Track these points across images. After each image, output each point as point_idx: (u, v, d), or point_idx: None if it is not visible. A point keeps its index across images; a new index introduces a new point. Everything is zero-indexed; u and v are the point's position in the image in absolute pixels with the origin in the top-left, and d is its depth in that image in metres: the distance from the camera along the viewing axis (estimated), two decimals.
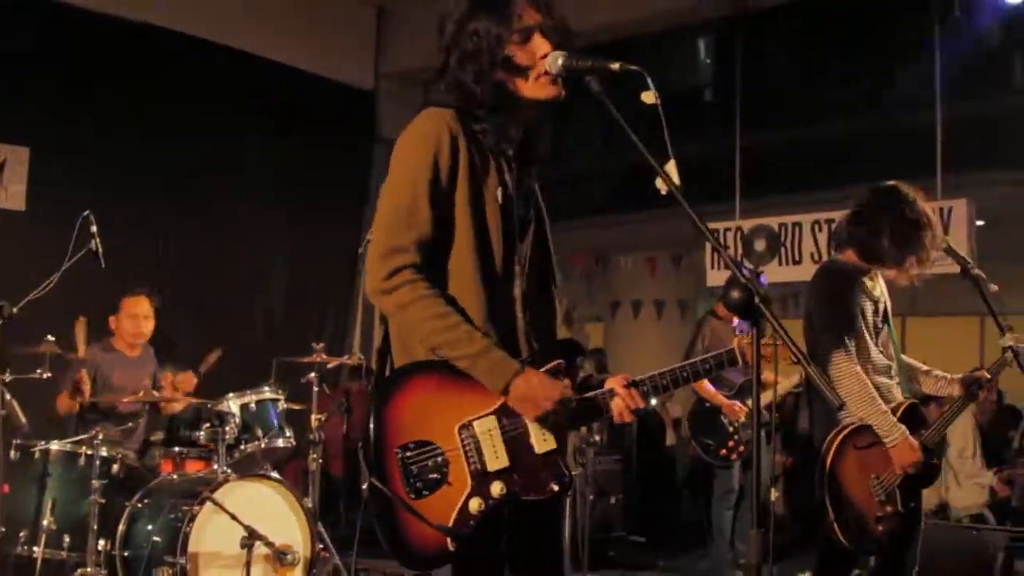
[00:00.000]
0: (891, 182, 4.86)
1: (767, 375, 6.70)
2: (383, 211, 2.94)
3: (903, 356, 4.99)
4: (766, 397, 7.64)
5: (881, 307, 4.85)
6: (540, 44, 2.98)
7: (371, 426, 2.83)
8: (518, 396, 2.86)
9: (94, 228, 6.44)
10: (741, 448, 7.87)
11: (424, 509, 2.79)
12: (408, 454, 2.81)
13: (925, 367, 5.16)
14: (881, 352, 4.79)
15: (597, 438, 8.42)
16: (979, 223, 8.96)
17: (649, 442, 11.28)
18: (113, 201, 8.17)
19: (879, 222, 4.73)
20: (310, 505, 6.63)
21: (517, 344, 2.99)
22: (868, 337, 4.71)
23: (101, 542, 6.07)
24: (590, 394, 3.02)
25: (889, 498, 4.55)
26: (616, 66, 2.82)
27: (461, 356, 2.85)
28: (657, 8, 10.05)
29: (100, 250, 6.45)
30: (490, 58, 2.95)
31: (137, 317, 7.19)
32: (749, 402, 7.87)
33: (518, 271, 3.05)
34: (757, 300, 2.53)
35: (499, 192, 3.00)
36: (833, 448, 4.52)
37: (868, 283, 4.80)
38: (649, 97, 2.72)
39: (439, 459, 2.82)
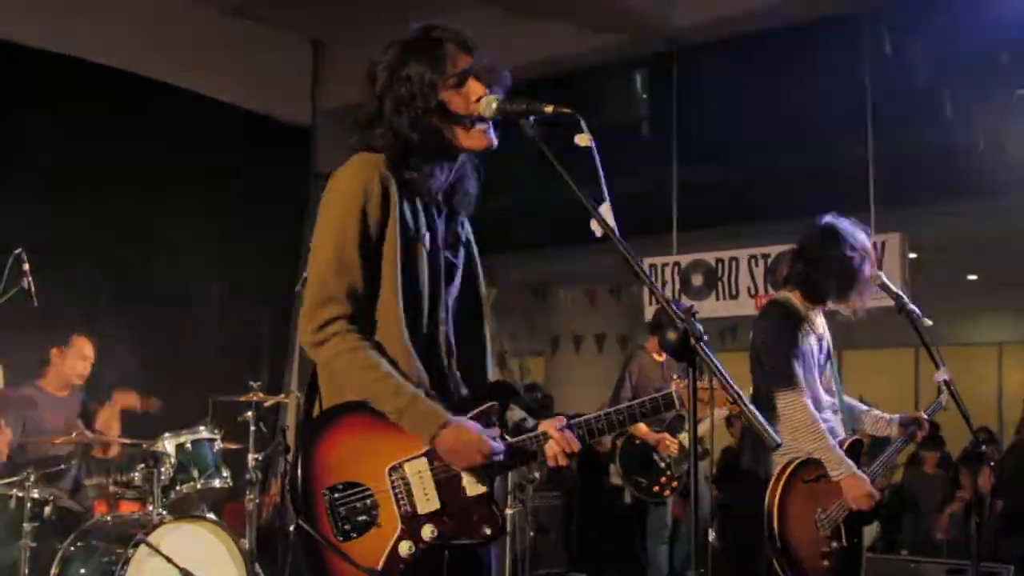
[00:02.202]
0: (830, 218, 4.91)
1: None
2: (314, 261, 2.93)
3: (845, 397, 5.03)
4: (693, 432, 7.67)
5: (824, 344, 4.89)
6: (474, 88, 2.98)
7: (298, 467, 2.81)
8: (444, 449, 2.83)
9: (26, 266, 6.36)
10: (674, 483, 7.88)
11: (352, 551, 2.76)
12: (336, 495, 2.78)
13: (864, 406, 5.20)
14: (825, 389, 4.82)
15: (537, 474, 8.39)
16: (912, 256, 9.08)
17: (590, 478, 11.27)
18: (44, 239, 8.03)
19: (821, 260, 4.78)
20: (247, 546, 6.55)
21: (447, 389, 2.97)
22: (813, 374, 4.75)
23: None
24: (523, 437, 2.99)
25: (834, 533, 4.57)
26: (549, 108, 2.82)
27: (391, 408, 2.83)
28: (593, 44, 10.11)
29: (32, 288, 6.37)
30: (424, 104, 2.95)
31: (87, 359, 7.14)
32: (679, 436, 7.92)
33: (443, 317, 3.04)
34: (693, 341, 2.53)
35: (426, 239, 3.00)
36: (781, 482, 4.53)
37: (814, 320, 4.85)
38: (583, 140, 2.72)
39: (368, 501, 2.80)
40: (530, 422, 3.08)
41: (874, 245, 8.59)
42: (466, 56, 3.00)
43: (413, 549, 2.79)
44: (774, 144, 11.45)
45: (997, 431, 13.69)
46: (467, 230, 3.21)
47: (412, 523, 2.81)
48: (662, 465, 7.88)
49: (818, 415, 4.61)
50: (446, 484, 2.86)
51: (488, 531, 2.89)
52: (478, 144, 3.01)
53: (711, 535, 2.58)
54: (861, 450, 4.77)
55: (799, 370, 4.64)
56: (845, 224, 4.86)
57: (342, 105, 10.72)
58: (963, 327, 16.00)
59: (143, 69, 9.83)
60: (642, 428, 7.73)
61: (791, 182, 10.84)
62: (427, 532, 2.81)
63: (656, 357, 8.26)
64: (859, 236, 4.82)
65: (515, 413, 3.09)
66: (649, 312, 10.13)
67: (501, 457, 2.89)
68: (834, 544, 4.55)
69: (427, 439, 2.83)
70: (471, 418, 2.91)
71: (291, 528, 2.82)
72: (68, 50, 9.27)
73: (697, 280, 9.77)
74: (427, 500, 2.83)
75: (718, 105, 11.69)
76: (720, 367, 2.56)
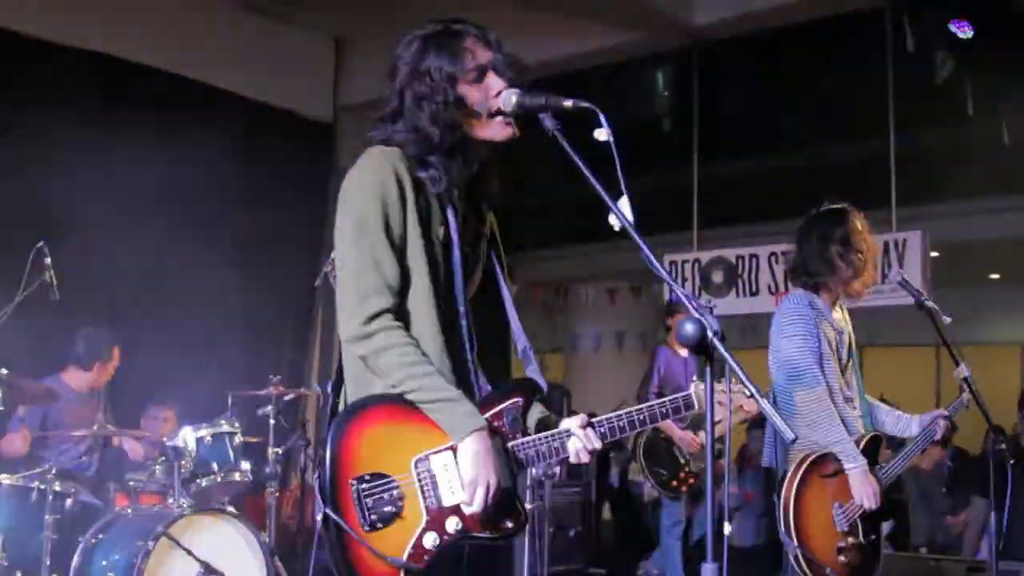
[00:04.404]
0: (812, 212, 4.92)
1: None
2: (346, 258, 2.93)
3: (866, 396, 5.02)
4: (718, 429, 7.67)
5: (845, 338, 4.88)
6: (494, 82, 2.98)
7: (326, 458, 2.82)
8: (470, 452, 2.83)
9: (48, 260, 6.39)
10: (691, 480, 7.88)
11: (378, 542, 2.77)
12: (363, 486, 2.79)
13: (886, 407, 5.19)
14: (845, 383, 4.81)
15: (556, 471, 8.39)
16: (933, 254, 9.05)
17: (609, 474, 11.29)
18: (65, 232, 8.05)
19: (803, 257, 4.81)
20: (267, 539, 6.57)
21: (470, 383, 2.98)
22: (832, 366, 4.74)
23: None
24: (546, 434, 3.00)
25: (851, 528, 4.57)
26: (569, 104, 2.82)
27: (431, 400, 2.84)
28: (614, 40, 10.11)
29: (54, 282, 6.40)
30: (444, 98, 2.95)
31: (115, 367, 7.24)
32: (701, 434, 7.91)
33: (462, 311, 3.04)
34: (711, 335, 2.53)
35: (441, 232, 3.00)
36: (797, 477, 4.53)
37: (833, 314, 4.84)
38: (602, 135, 2.72)
39: (394, 492, 2.81)
40: (553, 419, 3.09)
41: (895, 243, 8.67)
42: (486, 50, 3.00)
43: (438, 541, 2.81)
44: (795, 141, 11.45)
45: (1020, 431, 13.59)
46: (489, 225, 3.21)
47: (437, 515, 2.83)
48: (681, 461, 7.89)
49: (833, 408, 4.61)
50: None
51: (511, 525, 2.92)
52: (499, 134, 3.00)
53: (727, 528, 2.58)
54: (879, 447, 4.76)
55: (813, 363, 4.64)
56: (822, 216, 4.86)
57: (364, 101, 10.74)
58: (985, 326, 15.90)
59: (166, 65, 9.86)
60: (666, 421, 7.70)
61: (812, 179, 10.83)
62: (451, 525, 2.83)
63: (679, 352, 8.23)
64: (840, 222, 4.79)
65: (538, 410, 3.10)
66: None
67: (500, 497, 2.88)
68: (850, 539, 4.55)
69: (461, 436, 2.84)
70: (495, 414, 2.94)
71: (318, 518, 2.82)
72: (92, 46, 9.31)
73: (717, 277, 9.78)
74: (452, 493, 2.84)
75: (739, 101, 11.69)
76: (736, 362, 2.57)
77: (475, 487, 2.83)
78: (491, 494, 2.84)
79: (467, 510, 2.84)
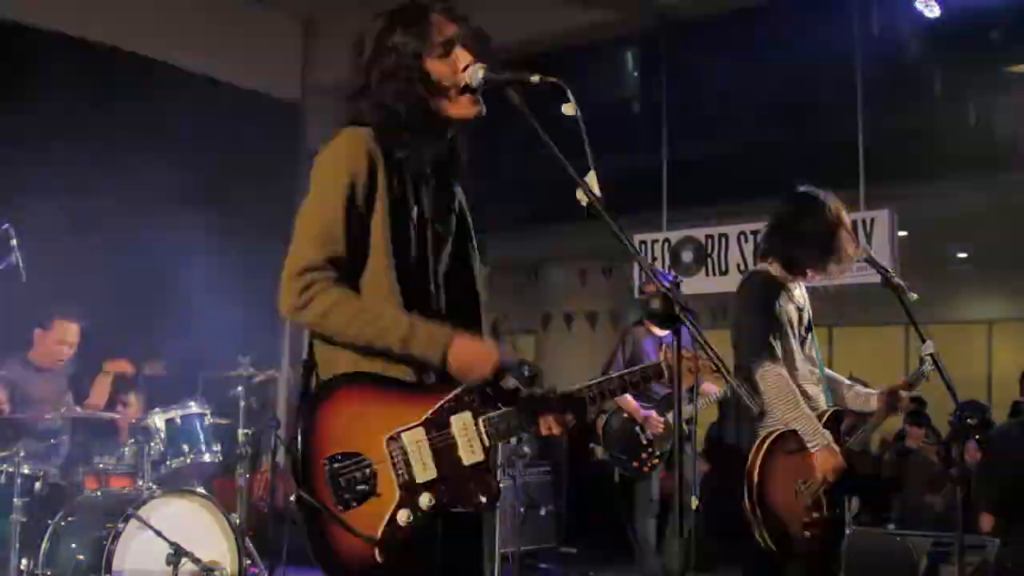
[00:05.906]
0: (803, 188, 4.93)
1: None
2: (299, 230, 2.94)
3: (827, 370, 5.04)
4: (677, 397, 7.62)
5: (805, 316, 4.90)
6: (461, 56, 2.99)
7: (299, 437, 2.83)
8: (458, 363, 2.87)
9: (14, 241, 6.35)
10: (655, 460, 7.81)
11: (352, 520, 2.78)
12: (336, 465, 2.80)
13: (848, 381, 5.21)
14: (806, 359, 4.84)
15: (527, 450, 8.39)
16: (901, 233, 9.09)
17: (579, 452, 11.30)
18: (33, 212, 8.01)
19: (796, 231, 4.80)
20: (237, 521, 6.57)
21: None
22: (793, 344, 4.76)
23: (23, 561, 5.98)
24: (517, 408, 3.01)
25: (815, 503, 4.59)
26: (536, 78, 2.83)
27: (394, 341, 2.85)
28: (584, 20, 10.11)
29: (21, 263, 6.36)
30: (409, 75, 2.96)
31: (63, 344, 7.08)
32: (670, 416, 7.78)
33: (433, 289, 3.05)
34: (678, 309, 2.55)
35: (414, 211, 3.00)
36: (761, 454, 4.55)
37: (793, 292, 4.86)
38: (569, 109, 2.74)
39: (367, 470, 2.81)
40: (523, 392, 3.10)
41: (863, 222, 8.71)
42: (452, 24, 3.01)
43: (411, 517, 2.82)
44: (764, 121, 11.48)
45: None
46: (460, 199, 3.21)
47: (410, 492, 2.83)
48: (644, 442, 7.82)
49: (793, 385, 4.62)
50: (443, 453, 2.88)
51: (484, 499, 2.92)
52: (466, 112, 3.01)
53: (694, 501, 2.61)
54: (841, 422, 4.78)
55: (775, 340, 4.66)
56: (816, 194, 4.86)
57: (332, 82, 10.70)
58: (953, 305, 16.03)
59: (134, 46, 9.81)
60: (631, 404, 7.68)
61: (781, 159, 10.86)
62: (425, 500, 2.84)
63: (656, 331, 8.09)
64: (831, 205, 4.82)
65: (508, 382, 3.11)
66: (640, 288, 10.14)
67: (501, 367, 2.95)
68: (815, 515, 4.57)
69: (440, 355, 2.86)
70: (466, 389, 2.94)
71: (292, 498, 2.83)
72: (57, 27, 9.24)
73: (687, 256, 9.81)
74: (424, 469, 2.85)
75: (708, 82, 11.71)
76: (702, 335, 2.59)
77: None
78: (499, 369, 2.91)
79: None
